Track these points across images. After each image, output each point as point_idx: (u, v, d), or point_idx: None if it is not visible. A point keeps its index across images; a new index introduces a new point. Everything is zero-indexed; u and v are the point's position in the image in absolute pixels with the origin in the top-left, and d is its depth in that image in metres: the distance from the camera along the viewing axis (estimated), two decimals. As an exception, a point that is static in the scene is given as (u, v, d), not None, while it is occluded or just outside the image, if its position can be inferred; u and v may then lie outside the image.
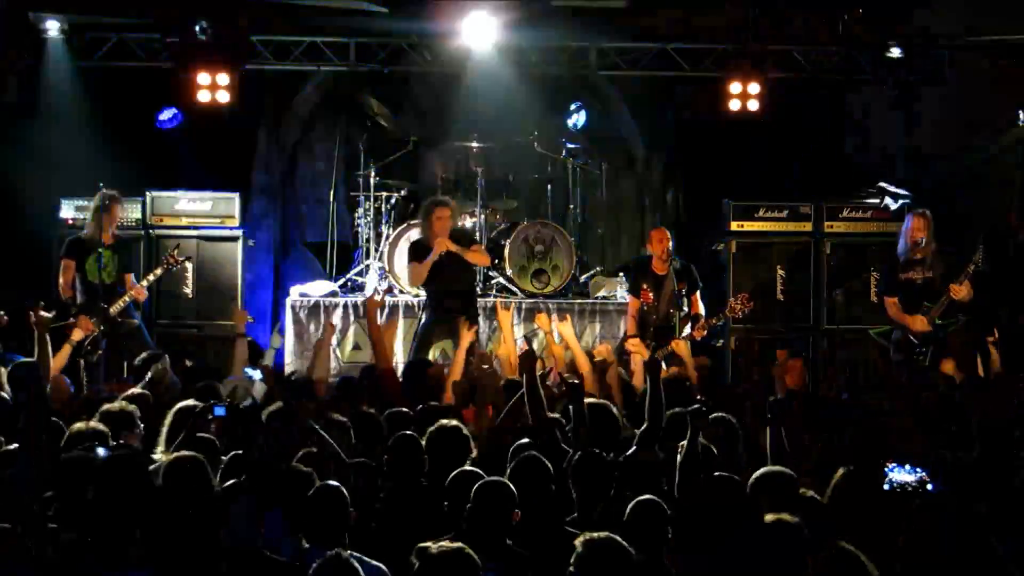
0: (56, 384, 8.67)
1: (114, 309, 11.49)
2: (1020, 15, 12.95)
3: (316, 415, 7.53)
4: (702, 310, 11.89)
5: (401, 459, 6.73)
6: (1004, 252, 13.01)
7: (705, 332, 11.71)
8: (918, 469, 6.03)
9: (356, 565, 4.95)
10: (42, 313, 9.62)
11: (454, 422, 7.12)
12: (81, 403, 8.36)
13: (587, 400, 7.76)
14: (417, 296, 12.81)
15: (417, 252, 11.98)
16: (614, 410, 7.79)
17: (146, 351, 10.26)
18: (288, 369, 13.48)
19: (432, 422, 7.10)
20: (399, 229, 13.58)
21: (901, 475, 6.02)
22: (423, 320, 12.11)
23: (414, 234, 12.79)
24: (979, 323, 10.74)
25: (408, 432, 6.91)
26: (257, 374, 9.43)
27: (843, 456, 6.85)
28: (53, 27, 13.49)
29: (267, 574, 5.35)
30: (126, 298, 11.60)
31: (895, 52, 13.72)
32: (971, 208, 13.39)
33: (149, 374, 9.05)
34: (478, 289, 13.65)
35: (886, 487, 5.99)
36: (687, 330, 11.50)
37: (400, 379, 9.72)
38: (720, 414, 7.55)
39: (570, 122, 14.79)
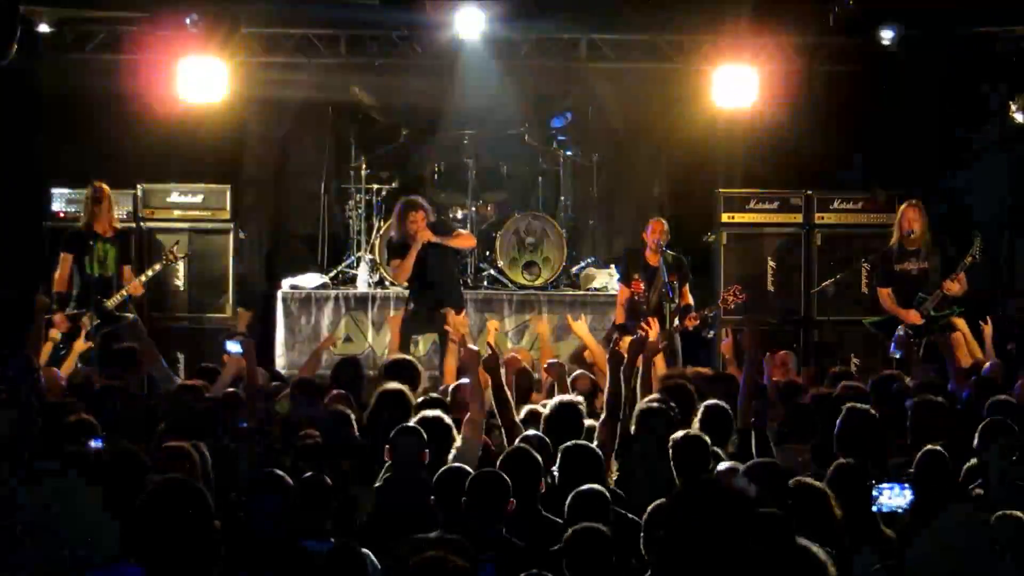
0: (49, 378, 8.65)
1: (111, 303, 11.48)
2: (1012, 7, 12.98)
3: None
4: (691, 301, 11.96)
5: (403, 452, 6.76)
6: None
7: (697, 322, 11.79)
8: (907, 487, 5.75)
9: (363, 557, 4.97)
10: (42, 297, 9.63)
11: (437, 412, 7.19)
12: (75, 396, 8.36)
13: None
14: (407, 288, 12.80)
15: (396, 250, 11.98)
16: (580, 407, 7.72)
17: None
18: (280, 361, 13.51)
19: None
20: (390, 222, 13.58)
21: (892, 498, 5.74)
22: (404, 314, 12.12)
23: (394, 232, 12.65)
24: (975, 314, 10.78)
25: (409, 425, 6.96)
26: (237, 347, 9.24)
27: None
28: (43, 20, 13.45)
29: (301, 565, 5.34)
30: (123, 292, 11.60)
31: (887, 41, 13.70)
32: (965, 200, 13.40)
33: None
34: (467, 280, 13.70)
35: (875, 510, 5.76)
36: (677, 321, 11.59)
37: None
38: (714, 402, 7.59)
39: (556, 117, 14.79)
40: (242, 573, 5.15)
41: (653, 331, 10.62)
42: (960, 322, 10.90)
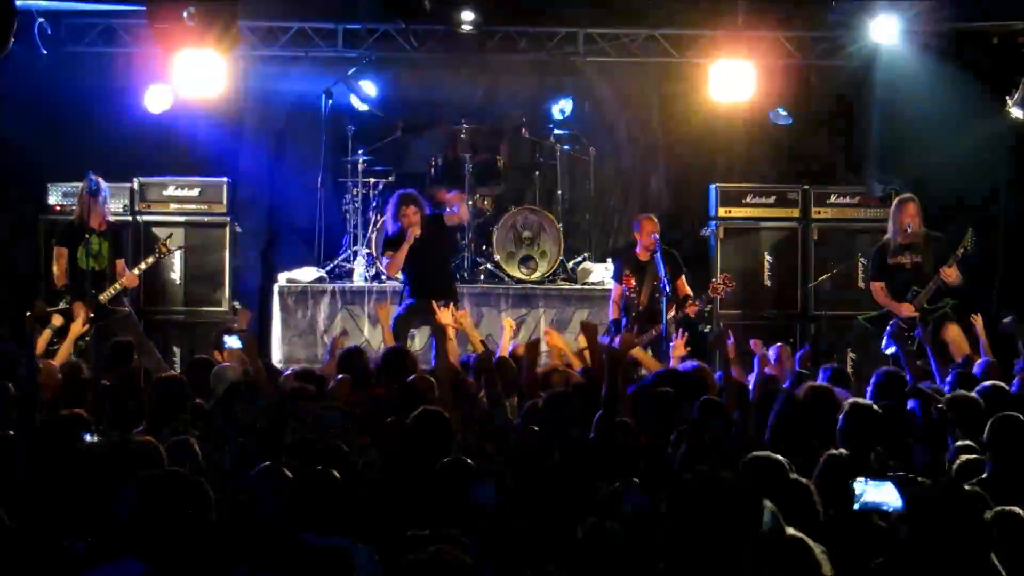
0: (47, 371, 8.63)
1: (104, 296, 11.46)
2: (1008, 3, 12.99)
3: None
4: (690, 291, 11.99)
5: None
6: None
7: (697, 307, 11.82)
8: (890, 483, 5.32)
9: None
10: (40, 303, 9.63)
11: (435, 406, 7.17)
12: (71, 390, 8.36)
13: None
14: (402, 282, 12.79)
15: (389, 243, 12.02)
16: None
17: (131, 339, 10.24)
18: (276, 355, 13.50)
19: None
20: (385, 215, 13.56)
21: (875, 493, 5.29)
22: (399, 307, 12.12)
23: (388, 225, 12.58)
24: (967, 307, 10.78)
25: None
26: (236, 342, 9.24)
27: None
28: (40, 13, 13.43)
29: (301, 560, 5.33)
30: (117, 285, 11.59)
31: (882, 36, 13.67)
32: (959, 194, 13.40)
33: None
34: (464, 274, 13.71)
35: (856, 507, 5.34)
36: (673, 312, 11.61)
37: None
38: (710, 397, 7.57)
39: (556, 108, 14.80)
40: (242, 567, 5.14)
41: (679, 349, 10.60)
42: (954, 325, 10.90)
